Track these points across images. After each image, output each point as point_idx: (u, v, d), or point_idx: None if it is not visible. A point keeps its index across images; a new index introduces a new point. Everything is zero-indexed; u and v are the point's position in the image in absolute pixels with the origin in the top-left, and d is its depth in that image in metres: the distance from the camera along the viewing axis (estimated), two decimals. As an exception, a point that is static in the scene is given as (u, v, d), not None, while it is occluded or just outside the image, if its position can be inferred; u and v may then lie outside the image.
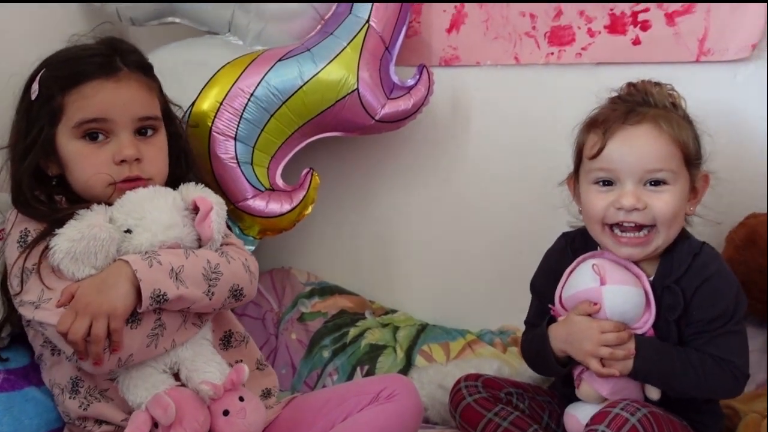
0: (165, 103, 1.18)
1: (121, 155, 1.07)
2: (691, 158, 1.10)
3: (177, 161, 1.16)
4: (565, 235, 1.22)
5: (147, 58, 1.17)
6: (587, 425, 1.04)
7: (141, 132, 1.10)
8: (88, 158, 1.07)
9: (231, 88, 1.39)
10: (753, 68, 1.47)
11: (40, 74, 1.10)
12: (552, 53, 1.55)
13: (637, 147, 1.07)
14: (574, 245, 1.18)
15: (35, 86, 1.09)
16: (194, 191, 1.10)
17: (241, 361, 1.12)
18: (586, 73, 1.53)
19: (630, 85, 1.17)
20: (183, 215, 1.06)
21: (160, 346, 1.02)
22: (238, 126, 1.39)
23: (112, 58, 1.10)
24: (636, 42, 1.50)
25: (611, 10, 1.51)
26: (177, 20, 1.51)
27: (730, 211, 1.44)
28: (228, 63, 1.41)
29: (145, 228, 1.03)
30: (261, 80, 1.39)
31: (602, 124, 1.10)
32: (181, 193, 1.10)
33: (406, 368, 1.47)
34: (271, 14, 1.45)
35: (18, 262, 1.03)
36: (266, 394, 1.17)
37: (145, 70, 1.14)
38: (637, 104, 1.11)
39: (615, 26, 1.51)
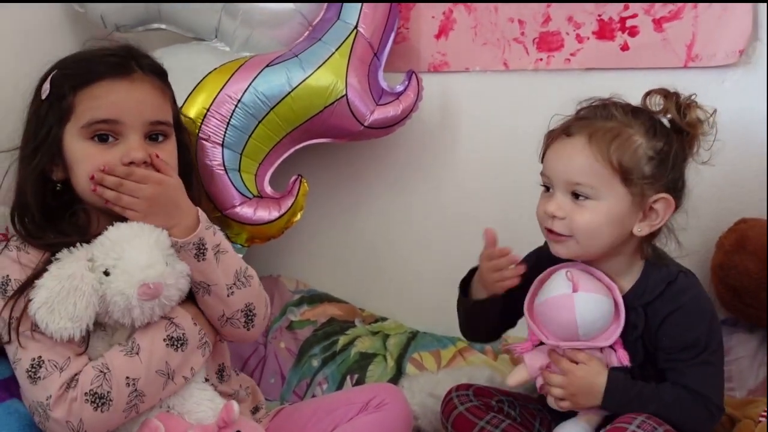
0: (177, 112, 1.14)
1: (130, 157, 1.02)
2: (630, 177, 1.06)
3: (182, 173, 1.11)
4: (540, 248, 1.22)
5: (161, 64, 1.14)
6: None
7: (152, 137, 1.06)
8: (94, 159, 1.02)
9: (218, 94, 1.37)
10: (741, 74, 1.48)
11: (52, 74, 1.06)
12: (541, 59, 1.55)
13: (562, 158, 1.09)
14: (544, 254, 1.18)
15: (46, 86, 1.05)
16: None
17: (235, 393, 1.12)
18: (575, 79, 1.54)
19: (646, 94, 1.13)
20: (167, 254, 1.01)
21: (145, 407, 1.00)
22: (225, 132, 1.38)
23: (127, 59, 1.07)
24: (624, 48, 1.51)
25: (599, 15, 1.51)
26: (163, 26, 1.49)
27: (719, 217, 1.44)
28: (215, 69, 1.40)
29: (123, 269, 0.98)
30: (248, 86, 1.38)
31: (551, 132, 1.13)
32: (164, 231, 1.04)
33: (397, 376, 1.45)
34: (258, 20, 1.44)
35: (3, 313, 0.99)
36: (254, 410, 1.16)
37: (159, 75, 1.11)
38: (590, 116, 1.11)
39: (603, 32, 1.51)
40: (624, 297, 1.11)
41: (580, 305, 1.07)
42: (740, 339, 1.39)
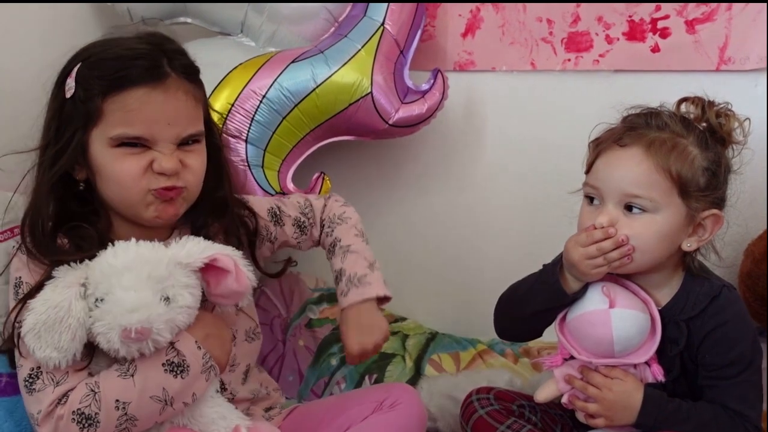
0: (207, 111, 1.09)
1: (161, 168, 0.98)
2: (688, 190, 1.03)
3: (212, 174, 1.07)
4: None
5: (194, 60, 1.07)
6: None
7: (183, 142, 1.02)
8: (124, 166, 0.98)
9: (243, 89, 1.37)
10: (774, 78, 1.44)
11: (76, 69, 1.00)
12: (569, 59, 1.53)
13: (618, 169, 1.04)
14: None
15: (71, 82, 0.99)
16: (202, 249, 0.98)
17: (255, 395, 1.12)
18: (604, 81, 1.51)
19: (680, 102, 1.10)
20: (169, 285, 0.95)
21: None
22: (249, 128, 1.37)
23: (159, 61, 1.00)
24: (655, 49, 1.48)
25: (630, 16, 1.49)
26: (189, 20, 1.49)
27: (749, 224, 1.41)
28: (240, 64, 1.39)
29: (108, 309, 0.92)
30: (273, 82, 1.37)
31: (599, 140, 1.09)
32: (175, 253, 0.97)
33: (415, 377, 1.44)
34: (284, 16, 1.43)
35: (11, 315, 0.98)
36: (267, 408, 1.15)
37: (192, 75, 1.04)
38: (640, 126, 1.07)
39: (634, 33, 1.49)
40: (661, 310, 1.08)
41: (617, 321, 1.04)
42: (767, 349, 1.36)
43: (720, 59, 1.45)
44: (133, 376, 0.94)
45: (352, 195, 1.61)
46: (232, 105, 1.36)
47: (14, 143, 1.04)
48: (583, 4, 1.50)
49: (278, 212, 1.19)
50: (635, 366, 1.09)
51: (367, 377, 1.43)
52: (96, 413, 0.93)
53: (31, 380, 0.95)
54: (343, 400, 1.12)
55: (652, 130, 1.05)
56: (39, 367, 0.95)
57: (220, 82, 1.37)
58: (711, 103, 1.09)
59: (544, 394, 1.13)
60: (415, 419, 1.07)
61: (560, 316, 1.11)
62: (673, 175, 1.02)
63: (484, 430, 1.14)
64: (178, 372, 0.96)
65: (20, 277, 0.99)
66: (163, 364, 0.96)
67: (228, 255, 0.98)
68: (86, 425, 0.93)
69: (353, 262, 1.14)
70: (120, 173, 0.99)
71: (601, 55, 1.51)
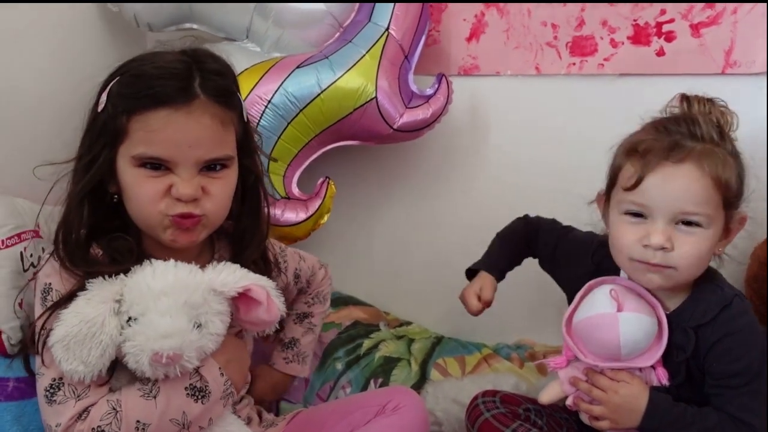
0: (245, 131, 1.04)
1: (178, 193, 0.96)
2: (731, 199, 1.03)
3: (242, 201, 1.04)
4: (602, 243, 1.15)
5: (235, 77, 1.04)
6: None
7: (209, 167, 0.99)
8: (144, 186, 0.97)
9: (248, 94, 1.37)
10: (780, 81, 1.44)
11: (111, 84, 0.99)
12: (574, 63, 1.53)
13: (676, 187, 1.01)
14: (602, 251, 1.13)
15: (103, 97, 0.99)
16: (238, 278, 0.97)
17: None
18: (609, 85, 1.51)
19: (682, 99, 1.09)
20: (200, 312, 0.94)
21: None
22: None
23: (190, 81, 0.97)
24: (660, 53, 1.48)
25: (635, 20, 1.48)
26: (195, 26, 1.50)
27: (756, 228, 1.40)
28: (245, 69, 1.40)
29: (140, 329, 0.92)
30: (279, 87, 1.38)
31: (643, 155, 1.03)
32: (212, 278, 0.96)
33: (421, 381, 1.44)
34: (289, 21, 1.44)
35: (38, 321, 0.97)
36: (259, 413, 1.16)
37: (223, 98, 0.99)
38: (682, 136, 1.04)
39: (639, 37, 1.49)
40: (670, 315, 1.07)
41: (624, 325, 1.03)
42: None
43: (726, 62, 1.45)
44: (155, 397, 0.94)
45: (357, 199, 1.63)
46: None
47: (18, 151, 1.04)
48: (588, 8, 1.50)
49: (299, 274, 1.26)
50: (640, 369, 1.08)
51: (372, 381, 1.43)
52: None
53: (52, 391, 0.94)
54: (346, 404, 1.12)
55: (697, 141, 1.03)
56: (61, 378, 0.93)
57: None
58: (712, 101, 1.08)
59: (548, 395, 1.13)
60: (418, 422, 1.07)
61: (566, 317, 1.11)
62: (723, 187, 1.01)
63: (489, 434, 1.14)
64: (200, 397, 0.96)
65: (50, 284, 0.98)
66: (186, 388, 0.95)
67: (262, 286, 0.97)
68: None
69: (309, 342, 1.30)
70: (139, 194, 0.98)
71: (606, 59, 1.51)
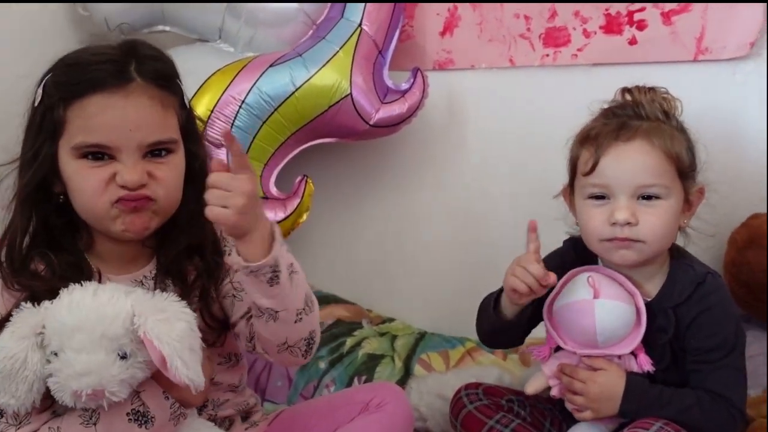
0: (188, 117, 1.02)
1: (123, 180, 0.93)
2: (685, 170, 1.08)
3: (189, 185, 1.00)
4: (570, 239, 1.20)
5: (173, 64, 1.01)
6: None
7: (154, 153, 0.96)
8: (87, 178, 0.94)
9: (222, 95, 1.37)
10: (752, 66, 1.46)
11: (45, 78, 0.97)
12: (547, 55, 1.53)
13: (629, 163, 1.06)
14: (578, 249, 1.16)
15: (39, 91, 0.96)
16: (147, 318, 0.89)
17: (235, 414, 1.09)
18: (583, 75, 1.52)
19: (623, 91, 1.16)
20: (122, 343, 0.88)
21: None
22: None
23: (126, 65, 0.95)
24: (632, 42, 1.49)
25: (606, 10, 1.49)
26: (167, 28, 1.49)
27: (732, 212, 1.42)
28: (218, 70, 1.39)
29: (59, 366, 0.88)
30: (252, 87, 1.37)
31: (594, 139, 1.09)
32: (132, 309, 0.89)
33: (405, 378, 1.44)
34: (261, 20, 1.43)
35: None
36: (245, 416, 1.12)
37: (164, 81, 0.97)
38: (629, 117, 1.10)
39: (611, 26, 1.50)
40: (651, 302, 1.09)
41: (600, 312, 1.05)
42: (754, 336, 1.36)
43: (697, 49, 1.46)
44: (95, 425, 0.91)
45: (336, 196, 1.62)
46: (212, 111, 1.36)
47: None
48: (559, -1, 1.51)
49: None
50: (620, 357, 1.09)
51: (356, 379, 1.43)
52: None
53: None
54: (330, 402, 1.11)
55: (643, 120, 1.09)
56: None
57: (199, 89, 1.37)
58: (653, 89, 1.13)
59: (533, 386, 1.13)
60: (402, 419, 1.06)
61: (547, 303, 1.11)
62: (674, 159, 1.07)
63: (473, 425, 1.14)
64: (143, 422, 0.92)
65: None
66: (127, 413, 0.91)
67: (155, 348, 0.87)
68: None
69: None
70: (83, 187, 0.95)
71: (579, 50, 1.52)
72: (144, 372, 0.91)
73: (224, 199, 0.88)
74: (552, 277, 1.06)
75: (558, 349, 1.14)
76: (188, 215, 1.01)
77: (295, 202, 1.43)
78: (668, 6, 1.46)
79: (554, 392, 1.12)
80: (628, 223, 1.05)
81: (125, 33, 1.46)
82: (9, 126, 1.09)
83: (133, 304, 0.89)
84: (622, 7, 1.48)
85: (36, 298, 0.93)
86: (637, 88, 1.14)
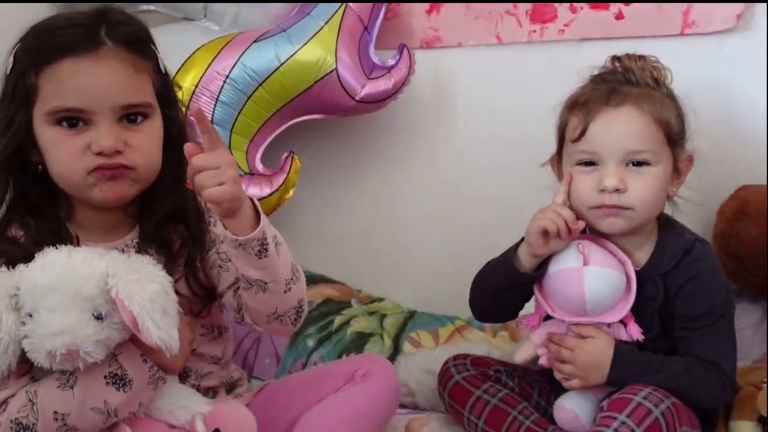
0: (164, 83, 1.01)
1: (99, 146, 0.92)
2: (674, 137, 1.08)
3: (169, 152, 0.99)
4: None
5: (146, 28, 1.00)
6: (603, 410, 1.02)
7: (129, 118, 0.95)
8: (62, 146, 0.94)
9: (206, 70, 1.36)
10: (739, 39, 1.45)
11: (16, 46, 0.96)
12: (534, 31, 1.53)
13: (618, 129, 1.06)
14: None
15: (10, 59, 0.96)
16: (120, 277, 0.88)
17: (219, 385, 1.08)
18: (570, 50, 1.51)
19: (613, 59, 1.15)
20: (96, 304, 0.87)
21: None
22: (214, 109, 1.36)
23: (96, 29, 0.94)
24: (619, 16, 1.48)
25: (593, -16, 1.49)
26: (152, 8, 1.48)
27: (720, 184, 1.41)
28: (203, 45, 1.38)
29: (34, 326, 0.87)
30: (236, 62, 1.37)
31: (583, 105, 1.09)
32: (106, 270, 0.88)
33: (394, 355, 1.42)
34: (246, -3, 1.43)
35: None
36: (229, 389, 1.11)
37: (136, 44, 0.96)
38: (619, 83, 1.09)
39: (597, 1, 1.49)
40: (641, 270, 1.09)
41: (589, 279, 1.04)
42: (744, 309, 1.35)
43: (684, 23, 1.46)
44: (72, 387, 0.90)
45: (322, 173, 1.61)
46: (196, 86, 1.35)
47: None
48: (546, -24, 1.51)
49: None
50: (609, 325, 1.08)
51: (344, 356, 1.42)
52: (34, 424, 0.90)
53: None
54: (316, 374, 1.11)
55: (633, 86, 1.08)
56: None
57: (183, 64, 1.37)
58: (643, 57, 1.12)
59: (522, 354, 1.13)
60: (388, 388, 1.06)
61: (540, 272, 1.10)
62: (664, 125, 1.06)
63: (460, 396, 1.13)
64: (121, 385, 0.91)
65: None
66: (105, 377, 0.91)
67: (126, 308, 0.87)
68: None
69: None
70: (58, 155, 0.94)
71: (566, 25, 1.51)
72: (120, 334, 0.90)
73: (216, 176, 0.88)
74: (581, 223, 1.06)
75: (548, 318, 1.13)
76: (169, 182, 1.01)
77: (282, 177, 1.42)
78: (655, -21, 1.46)
79: (543, 361, 1.12)
80: (617, 190, 1.04)
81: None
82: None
83: (108, 265, 0.89)
84: (609, -18, 1.48)
85: (13, 264, 0.92)
86: (627, 55, 1.13)
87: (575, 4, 1.50)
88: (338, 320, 1.48)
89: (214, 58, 1.36)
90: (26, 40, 0.96)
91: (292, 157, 1.43)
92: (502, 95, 1.56)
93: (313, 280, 1.56)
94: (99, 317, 0.88)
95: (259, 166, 1.43)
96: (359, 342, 1.44)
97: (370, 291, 1.61)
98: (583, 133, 1.07)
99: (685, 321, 1.07)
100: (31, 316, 0.88)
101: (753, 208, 1.33)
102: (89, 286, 0.87)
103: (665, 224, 1.12)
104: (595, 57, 1.47)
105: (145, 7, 1.48)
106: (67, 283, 0.87)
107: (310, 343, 1.44)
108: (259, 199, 1.38)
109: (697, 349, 1.06)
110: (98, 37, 0.94)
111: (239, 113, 1.38)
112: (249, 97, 1.38)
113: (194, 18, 1.48)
